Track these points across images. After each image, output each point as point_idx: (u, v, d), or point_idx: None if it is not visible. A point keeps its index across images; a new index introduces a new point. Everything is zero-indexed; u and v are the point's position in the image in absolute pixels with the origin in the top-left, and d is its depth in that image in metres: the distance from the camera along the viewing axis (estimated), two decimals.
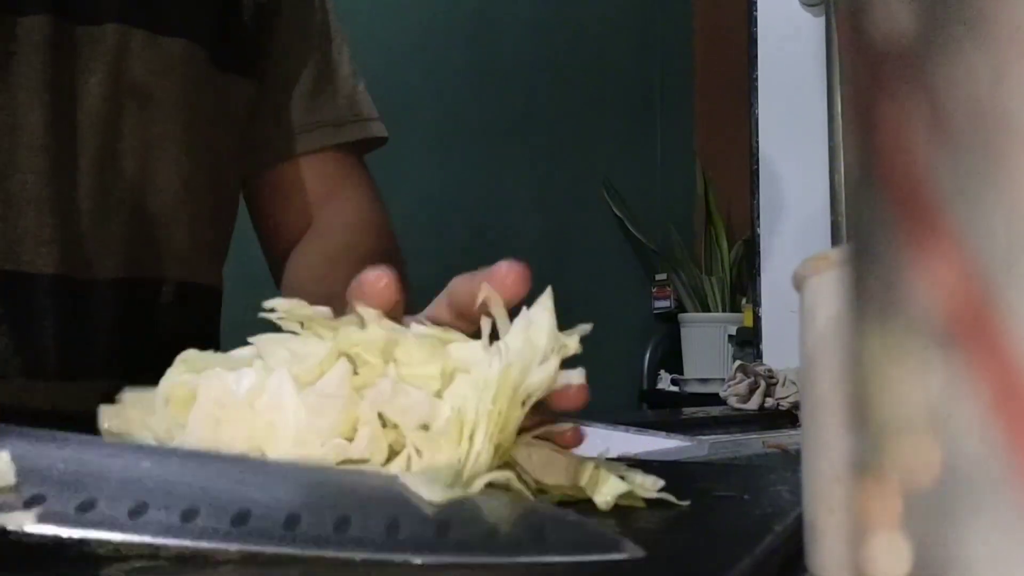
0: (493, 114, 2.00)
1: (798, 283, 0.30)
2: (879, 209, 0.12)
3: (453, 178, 1.94)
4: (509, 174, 2.04)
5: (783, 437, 0.80)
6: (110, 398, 0.60)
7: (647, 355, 2.20)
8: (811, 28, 1.38)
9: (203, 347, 0.71)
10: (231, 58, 0.71)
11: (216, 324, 0.75)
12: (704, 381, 1.99)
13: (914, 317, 0.12)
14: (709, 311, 2.12)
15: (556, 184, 2.12)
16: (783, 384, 1.02)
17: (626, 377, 2.16)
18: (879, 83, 0.12)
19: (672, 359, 2.17)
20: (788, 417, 0.98)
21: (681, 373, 2.12)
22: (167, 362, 0.66)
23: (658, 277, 2.22)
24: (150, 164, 0.65)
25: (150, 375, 0.63)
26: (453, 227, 1.92)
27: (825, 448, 0.28)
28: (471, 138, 1.97)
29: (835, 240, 1.25)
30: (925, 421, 0.12)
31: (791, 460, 0.63)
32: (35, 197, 0.60)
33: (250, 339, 0.41)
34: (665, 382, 2.17)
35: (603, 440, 0.64)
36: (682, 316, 2.13)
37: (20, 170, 0.60)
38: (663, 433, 0.68)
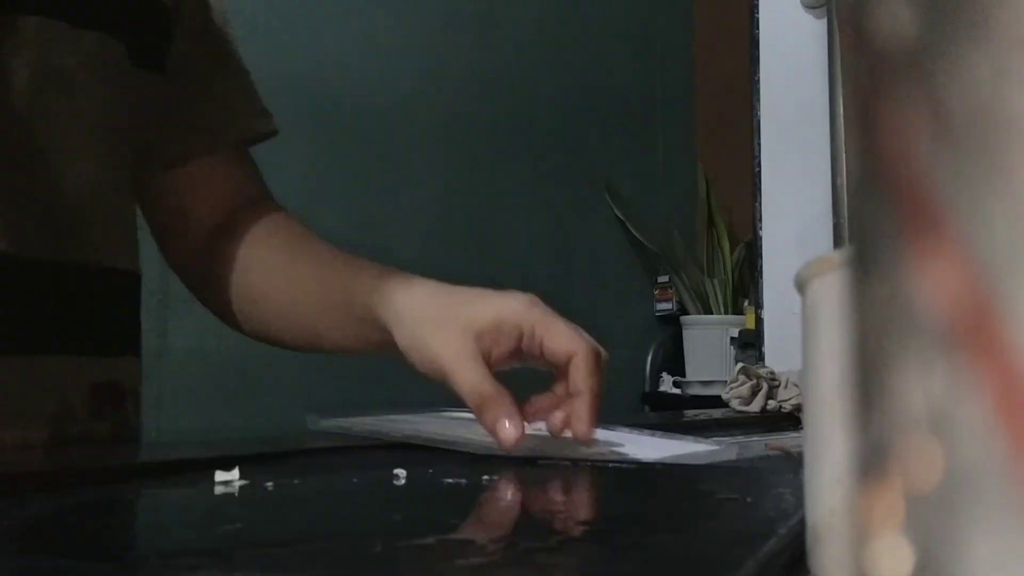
0: (495, 116, 2.00)
1: (800, 285, 0.30)
2: (881, 211, 0.12)
3: (455, 180, 1.94)
4: (510, 176, 2.04)
5: (786, 439, 0.80)
6: (24, 374, 0.64)
7: (649, 357, 2.20)
8: (813, 30, 1.38)
9: (125, 331, 0.74)
10: (145, 55, 0.74)
11: (136, 308, 0.77)
12: (706, 383, 1.99)
13: (916, 319, 0.12)
14: (711, 313, 2.12)
15: (558, 186, 2.12)
16: (785, 386, 1.02)
17: (628, 379, 2.16)
18: (880, 84, 0.12)
19: (674, 361, 2.17)
20: (790, 419, 0.98)
21: (683, 375, 2.12)
22: (86, 343, 0.69)
23: (660, 279, 2.22)
24: (73, 152, 0.68)
25: (67, 355, 0.67)
26: (454, 229, 1.92)
27: (827, 450, 0.28)
28: (473, 140, 1.97)
29: (837, 242, 1.25)
30: (928, 423, 0.12)
31: (793, 462, 0.63)
32: None
33: None
34: (667, 384, 2.17)
35: (631, 443, 0.64)
36: (684, 318, 2.13)
37: None
38: (690, 437, 0.68)
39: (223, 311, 0.80)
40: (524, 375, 0.64)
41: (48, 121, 0.66)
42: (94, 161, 0.69)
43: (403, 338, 0.64)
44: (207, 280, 0.81)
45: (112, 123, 0.71)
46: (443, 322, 0.62)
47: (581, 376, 0.60)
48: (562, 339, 0.61)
